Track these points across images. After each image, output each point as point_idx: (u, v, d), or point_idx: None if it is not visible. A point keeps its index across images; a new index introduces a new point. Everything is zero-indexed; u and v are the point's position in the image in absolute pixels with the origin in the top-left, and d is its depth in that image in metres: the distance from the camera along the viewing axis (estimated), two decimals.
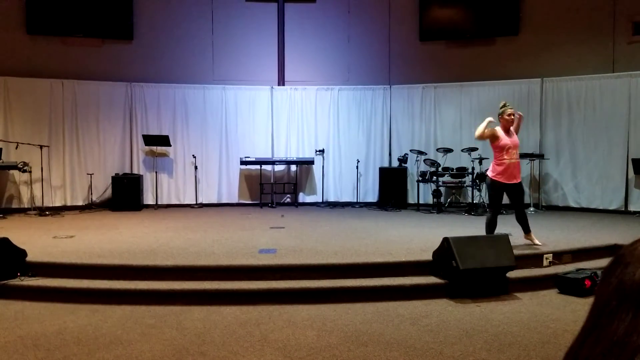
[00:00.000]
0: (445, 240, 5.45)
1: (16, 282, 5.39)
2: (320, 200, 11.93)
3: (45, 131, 10.91)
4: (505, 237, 5.71)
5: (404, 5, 12.07)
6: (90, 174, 11.09)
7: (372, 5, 12.20)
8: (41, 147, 10.36)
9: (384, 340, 4.14)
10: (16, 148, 10.15)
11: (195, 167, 11.59)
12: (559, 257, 6.18)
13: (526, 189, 10.94)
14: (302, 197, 12.14)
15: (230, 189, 11.94)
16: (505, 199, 6.92)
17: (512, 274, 5.55)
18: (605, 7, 10.71)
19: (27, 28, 11.05)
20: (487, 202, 6.82)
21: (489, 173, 6.70)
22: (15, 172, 10.41)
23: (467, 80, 11.57)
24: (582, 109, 10.69)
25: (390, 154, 12.04)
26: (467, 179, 10.51)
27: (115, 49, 11.63)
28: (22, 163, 9.94)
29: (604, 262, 6.15)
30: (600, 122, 10.47)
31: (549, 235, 7.33)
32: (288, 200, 12.05)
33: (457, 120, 11.62)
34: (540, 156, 10.79)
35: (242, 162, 11.54)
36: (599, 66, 10.67)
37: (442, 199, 10.81)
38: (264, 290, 5.24)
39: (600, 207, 10.37)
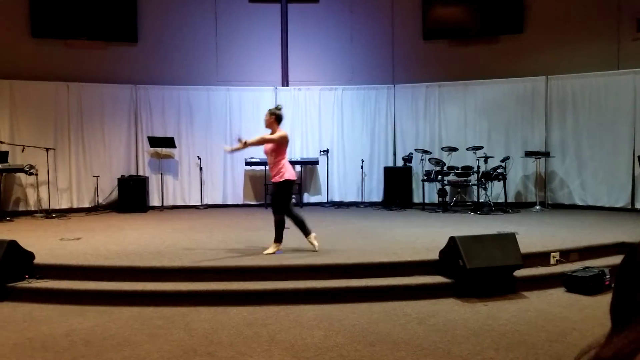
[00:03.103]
0: (452, 239, 5.44)
1: (24, 284, 5.41)
2: (325, 201, 11.93)
3: (50, 134, 10.95)
4: (512, 236, 5.70)
5: (407, 4, 12.05)
6: (96, 176, 11.12)
7: (375, 4, 12.19)
8: (47, 149, 10.38)
9: (391, 340, 4.14)
10: (22, 151, 10.18)
11: (200, 169, 11.60)
12: (566, 255, 6.16)
13: (532, 187, 11.01)
14: (307, 198, 12.14)
15: (235, 190, 11.96)
16: None
17: (519, 273, 5.54)
18: (609, 4, 10.67)
19: (31, 31, 11.08)
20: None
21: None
22: (22, 175, 10.43)
23: (471, 78, 11.54)
24: (587, 106, 10.65)
25: (394, 154, 12.03)
26: (473, 178, 10.49)
27: (119, 52, 11.65)
28: (28, 166, 9.98)
29: (611, 260, 6.14)
30: (605, 120, 10.44)
31: (555, 234, 7.32)
32: (293, 200, 12.01)
33: (462, 119, 11.60)
34: (546, 154, 10.76)
35: (247, 163, 11.55)
36: (604, 63, 10.63)
37: (447, 198, 10.79)
38: (270, 291, 5.24)
39: (607, 205, 10.33)
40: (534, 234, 7.33)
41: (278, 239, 6.35)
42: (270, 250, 6.25)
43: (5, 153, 10.15)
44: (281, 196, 6.38)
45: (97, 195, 11.19)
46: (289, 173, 6.31)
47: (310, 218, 9.63)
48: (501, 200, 10.60)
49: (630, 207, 10.09)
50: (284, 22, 12.22)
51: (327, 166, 11.79)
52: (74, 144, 11.16)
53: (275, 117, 6.44)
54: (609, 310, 1.03)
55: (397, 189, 11.38)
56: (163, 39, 11.81)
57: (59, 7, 11.18)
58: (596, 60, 10.73)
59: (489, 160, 10.40)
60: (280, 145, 6.33)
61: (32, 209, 10.60)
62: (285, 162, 6.34)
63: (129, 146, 11.58)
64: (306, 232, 6.40)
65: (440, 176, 10.49)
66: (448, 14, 11.89)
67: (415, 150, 11.30)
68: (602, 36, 10.73)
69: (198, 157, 11.61)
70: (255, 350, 3.95)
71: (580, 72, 10.76)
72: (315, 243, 6.36)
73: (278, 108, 6.57)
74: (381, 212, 10.69)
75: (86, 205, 11.18)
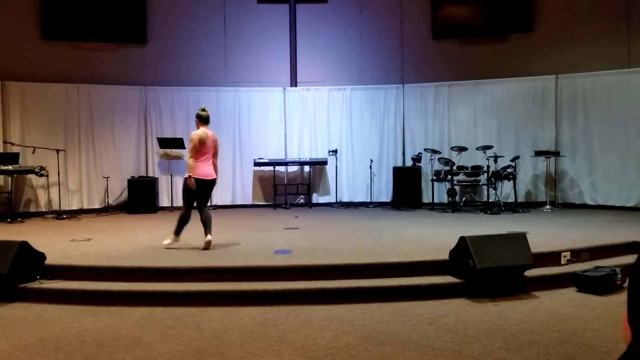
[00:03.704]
0: (462, 239, 5.42)
1: (36, 285, 5.45)
2: (334, 201, 11.93)
3: (61, 135, 11.02)
4: (522, 236, 5.67)
5: (416, 4, 12.03)
6: (106, 177, 11.19)
7: (384, 4, 12.18)
8: (57, 151, 10.47)
9: (401, 340, 4.13)
10: (33, 152, 10.27)
11: None
12: (577, 255, 6.12)
13: (542, 187, 10.96)
14: (316, 198, 12.14)
15: (244, 191, 11.99)
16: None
17: (529, 273, 5.51)
18: (619, 1, 10.61)
19: (41, 33, 11.16)
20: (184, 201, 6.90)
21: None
22: (33, 177, 10.51)
23: (481, 78, 11.51)
24: (598, 105, 10.59)
25: (403, 154, 12.00)
26: (482, 178, 10.44)
27: (129, 53, 11.71)
28: (39, 167, 10.04)
29: (622, 260, 6.10)
30: (616, 118, 10.37)
31: (566, 233, 7.28)
32: (302, 201, 12.06)
33: (472, 119, 11.57)
34: (556, 153, 10.70)
35: (256, 164, 11.58)
36: (615, 62, 10.56)
37: (457, 198, 10.76)
38: (280, 291, 5.24)
39: (618, 205, 10.26)
40: (545, 233, 7.30)
41: (175, 231, 6.69)
42: (167, 241, 6.67)
43: (16, 155, 10.23)
44: (183, 191, 6.76)
45: (107, 196, 11.25)
46: (193, 171, 6.53)
47: (319, 218, 9.70)
48: (511, 199, 10.55)
49: None
50: (293, 23, 12.23)
51: (336, 166, 11.79)
52: (84, 145, 11.22)
53: (198, 119, 6.78)
54: (626, 318, 1.02)
55: (406, 189, 11.36)
56: (172, 41, 11.86)
57: (68, 9, 11.25)
58: (607, 58, 10.66)
59: (498, 159, 10.35)
60: (192, 146, 6.55)
61: (43, 210, 10.68)
62: (198, 162, 6.58)
63: (138, 147, 11.63)
64: (190, 230, 6.81)
65: (449, 176, 10.46)
66: (457, 13, 11.86)
67: (425, 150, 11.27)
68: (612, 34, 10.66)
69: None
70: (265, 351, 3.95)
71: (590, 71, 10.69)
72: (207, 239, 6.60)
73: (201, 109, 6.88)
74: (390, 212, 10.67)
75: (96, 206, 11.25)
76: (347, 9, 12.22)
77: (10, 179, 10.32)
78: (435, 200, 11.14)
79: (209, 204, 11.61)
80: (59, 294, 5.33)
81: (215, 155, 6.80)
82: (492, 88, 11.43)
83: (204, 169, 6.62)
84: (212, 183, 6.78)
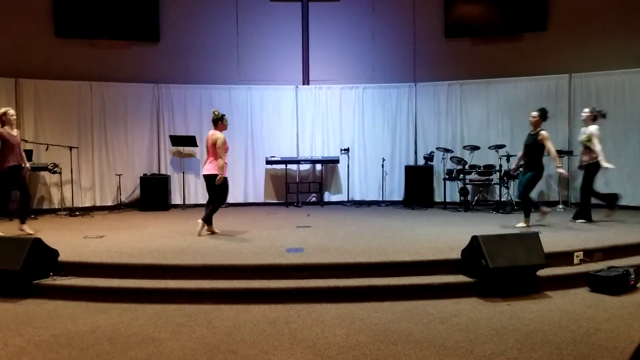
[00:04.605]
0: (475, 238, 5.39)
1: (49, 281, 5.49)
2: (346, 199, 11.93)
3: (74, 133, 11.10)
4: (535, 235, 5.63)
5: (429, 2, 11.99)
6: (119, 175, 11.25)
7: (397, 2, 12.15)
8: (70, 148, 10.54)
9: (413, 339, 4.12)
10: (46, 150, 10.35)
11: None
12: (590, 254, 6.07)
13: (555, 186, 10.87)
14: (328, 196, 12.14)
15: (256, 189, 12.01)
16: None
17: (542, 272, 5.48)
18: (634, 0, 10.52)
19: (55, 31, 11.25)
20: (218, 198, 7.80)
21: (217, 171, 7.45)
22: (46, 174, 10.60)
23: (493, 76, 11.47)
24: (612, 104, 10.48)
25: (416, 152, 11.97)
26: (495, 177, 10.40)
27: (141, 51, 11.77)
28: (52, 164, 10.13)
29: (636, 260, 6.05)
30: (630, 118, 10.28)
31: (579, 233, 7.22)
32: (314, 199, 12.06)
33: (484, 118, 11.52)
34: (569, 152, 10.63)
35: (268, 162, 11.60)
36: (629, 60, 10.47)
37: (469, 197, 10.71)
38: (292, 289, 5.25)
39: (632, 204, 10.18)
40: (557, 233, 7.26)
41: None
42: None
43: (30, 152, 10.30)
44: None
45: (120, 194, 11.32)
46: None
47: (331, 217, 9.71)
48: None
49: None
50: (305, 21, 12.24)
51: (348, 165, 11.79)
52: (97, 142, 11.30)
53: None
54: None
55: (418, 187, 11.33)
56: (185, 39, 11.91)
57: (82, 7, 11.33)
58: (621, 57, 10.57)
59: (511, 158, 10.28)
60: None
61: (56, 207, 10.76)
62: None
63: (151, 145, 11.69)
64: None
65: (461, 175, 10.42)
66: (470, 11, 11.80)
67: (437, 148, 11.24)
68: (626, 33, 10.57)
69: None
70: (277, 349, 3.96)
71: (604, 70, 10.60)
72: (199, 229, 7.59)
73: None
74: (402, 211, 10.65)
75: (109, 203, 11.32)
76: (360, 7, 12.21)
77: None
78: (448, 199, 11.10)
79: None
80: (72, 291, 5.37)
81: (220, 155, 7.49)
82: (505, 87, 11.37)
83: (204, 166, 7.67)
84: (206, 178, 7.63)
